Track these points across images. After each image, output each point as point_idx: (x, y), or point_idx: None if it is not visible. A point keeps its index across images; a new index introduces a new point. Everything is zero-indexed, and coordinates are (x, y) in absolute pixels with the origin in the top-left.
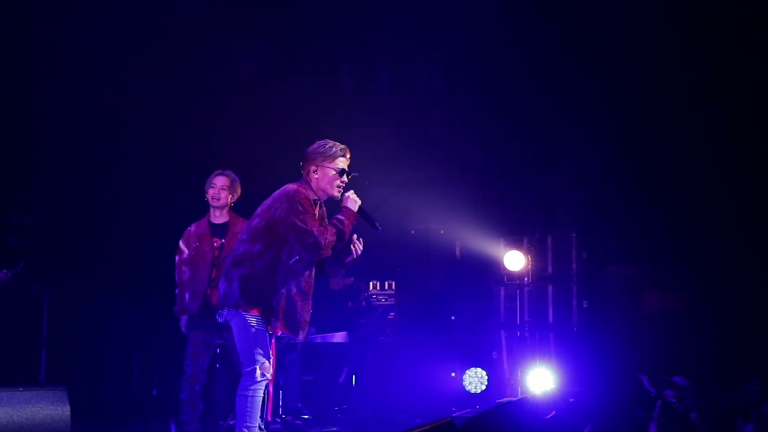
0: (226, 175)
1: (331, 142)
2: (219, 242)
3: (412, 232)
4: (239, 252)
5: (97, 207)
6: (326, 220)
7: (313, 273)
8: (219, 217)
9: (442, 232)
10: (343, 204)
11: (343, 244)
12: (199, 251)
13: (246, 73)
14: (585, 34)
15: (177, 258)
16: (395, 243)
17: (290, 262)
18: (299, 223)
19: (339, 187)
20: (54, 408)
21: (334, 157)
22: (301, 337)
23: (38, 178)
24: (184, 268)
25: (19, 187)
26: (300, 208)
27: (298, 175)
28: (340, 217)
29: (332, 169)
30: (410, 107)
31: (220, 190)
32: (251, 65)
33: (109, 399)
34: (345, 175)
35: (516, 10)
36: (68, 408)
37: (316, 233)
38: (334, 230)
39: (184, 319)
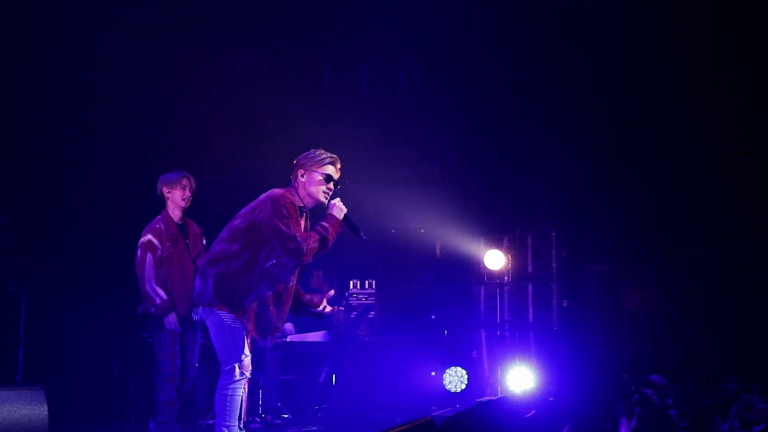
0: (189, 177)
1: (322, 150)
2: (185, 243)
3: (393, 231)
4: (216, 250)
5: (74, 205)
6: (309, 228)
7: (293, 281)
8: (181, 219)
9: (422, 231)
10: (329, 211)
11: (326, 251)
12: (176, 252)
13: (225, 72)
14: (564, 36)
15: (149, 254)
16: (375, 242)
17: (267, 265)
18: (283, 227)
19: (325, 193)
20: (31, 407)
21: (322, 163)
22: (269, 342)
23: (14, 177)
24: (156, 263)
25: None
26: (285, 212)
27: (278, 173)
28: (324, 224)
29: (320, 174)
30: (390, 106)
31: (190, 191)
32: (230, 65)
33: (86, 398)
34: (332, 183)
35: (496, 10)
36: (46, 407)
37: (299, 239)
38: (318, 237)
39: (173, 316)
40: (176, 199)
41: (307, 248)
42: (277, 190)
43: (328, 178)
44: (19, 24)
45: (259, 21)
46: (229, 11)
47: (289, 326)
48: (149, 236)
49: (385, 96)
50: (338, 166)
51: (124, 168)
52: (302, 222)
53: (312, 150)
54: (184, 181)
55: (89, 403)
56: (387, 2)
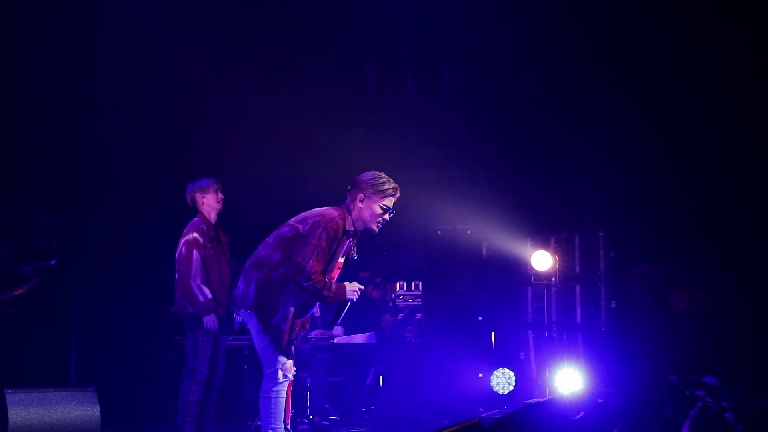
0: (218, 182)
1: (386, 178)
2: (221, 246)
3: (439, 232)
4: (261, 254)
5: (123, 209)
6: (353, 252)
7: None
8: (215, 223)
9: (468, 232)
10: (346, 287)
11: (311, 305)
12: (215, 253)
13: (270, 74)
14: (609, 35)
15: (196, 252)
16: (422, 243)
17: None
18: (308, 251)
19: (379, 223)
20: (84, 408)
21: (384, 194)
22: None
23: (65, 181)
24: (202, 261)
25: (46, 190)
26: (324, 236)
27: (325, 177)
28: (334, 288)
29: (380, 206)
30: (434, 107)
31: (222, 194)
32: (276, 66)
33: (137, 399)
34: (388, 214)
35: (539, 10)
36: (98, 408)
37: (306, 269)
38: (321, 287)
39: (214, 317)
40: (211, 202)
41: (306, 282)
42: (332, 212)
43: (387, 210)
44: (68, 24)
45: (301, 24)
46: (271, 15)
47: (338, 328)
48: (195, 234)
49: (429, 98)
50: (398, 195)
51: (169, 175)
52: (346, 243)
53: (376, 175)
54: (215, 186)
55: (140, 403)
56: (430, 4)
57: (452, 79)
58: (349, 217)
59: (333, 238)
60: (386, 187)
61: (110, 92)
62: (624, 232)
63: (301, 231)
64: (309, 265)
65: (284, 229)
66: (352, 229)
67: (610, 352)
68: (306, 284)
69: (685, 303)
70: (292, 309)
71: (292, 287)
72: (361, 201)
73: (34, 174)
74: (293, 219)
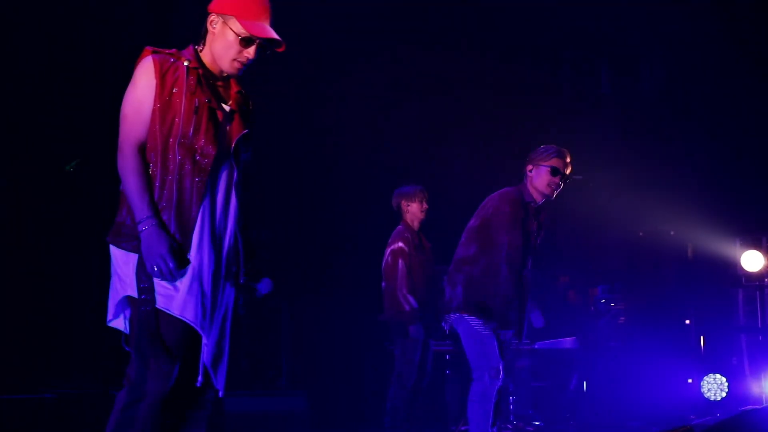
0: (424, 191)
1: (551, 145)
2: (425, 253)
3: (641, 234)
4: (459, 256)
5: (330, 217)
6: (542, 227)
7: (528, 275)
8: (418, 230)
9: (672, 233)
10: None
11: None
12: (420, 260)
13: (465, 75)
14: None
15: (401, 261)
16: (623, 246)
17: (504, 265)
18: (498, 223)
19: (550, 186)
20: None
21: (548, 156)
22: (508, 336)
23: (274, 193)
24: (407, 270)
25: (257, 203)
26: (506, 209)
27: (521, 175)
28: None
29: (546, 167)
30: (633, 105)
31: (426, 203)
32: (470, 67)
33: (345, 403)
34: (559, 177)
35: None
36: (308, 412)
37: (506, 242)
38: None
39: (420, 325)
40: (415, 211)
41: (508, 250)
42: (508, 188)
43: (555, 171)
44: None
45: (496, 22)
46: (467, 15)
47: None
48: (401, 243)
49: (626, 95)
50: (567, 159)
51: (374, 182)
52: (533, 224)
53: (540, 146)
54: (421, 194)
55: (348, 407)
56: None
57: (651, 76)
58: (525, 190)
59: (516, 207)
60: (551, 150)
61: (313, 103)
62: None
63: (483, 213)
64: (506, 239)
65: (471, 222)
66: (531, 200)
67: None
68: (509, 256)
69: None
70: (510, 291)
71: (497, 278)
72: (531, 171)
73: (243, 188)
74: (477, 210)
